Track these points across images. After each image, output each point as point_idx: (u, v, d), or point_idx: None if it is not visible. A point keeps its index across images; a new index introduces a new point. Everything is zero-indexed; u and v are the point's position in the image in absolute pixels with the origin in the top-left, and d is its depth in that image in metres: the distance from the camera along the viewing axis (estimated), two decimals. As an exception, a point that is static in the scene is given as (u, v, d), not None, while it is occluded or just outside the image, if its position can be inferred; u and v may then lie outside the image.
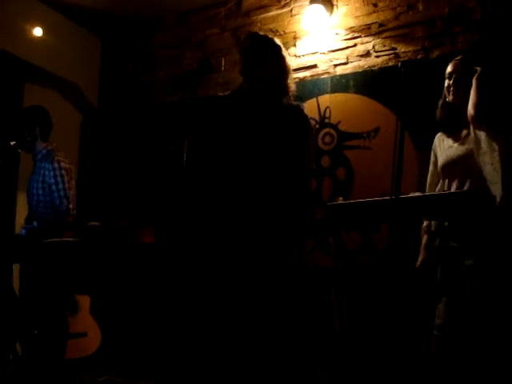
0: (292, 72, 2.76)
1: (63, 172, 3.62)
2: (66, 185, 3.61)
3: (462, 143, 2.68)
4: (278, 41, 2.73)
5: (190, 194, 2.63)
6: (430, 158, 2.93)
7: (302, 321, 2.66)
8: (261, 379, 2.54)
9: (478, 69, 2.57)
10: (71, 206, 3.66)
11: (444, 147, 2.78)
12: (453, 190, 2.62)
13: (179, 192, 2.47)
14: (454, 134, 2.75)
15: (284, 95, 2.68)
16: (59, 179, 3.58)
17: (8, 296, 3.73)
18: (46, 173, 3.59)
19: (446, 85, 2.76)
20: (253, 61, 2.64)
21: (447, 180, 2.71)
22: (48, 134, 3.75)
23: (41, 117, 3.74)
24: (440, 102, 2.82)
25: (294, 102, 2.74)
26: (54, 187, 3.57)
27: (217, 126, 2.74)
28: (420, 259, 2.83)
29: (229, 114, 2.68)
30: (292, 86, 2.71)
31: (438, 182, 2.82)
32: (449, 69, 2.75)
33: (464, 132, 2.69)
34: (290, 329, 2.55)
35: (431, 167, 2.90)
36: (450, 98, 2.73)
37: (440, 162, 2.78)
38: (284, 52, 2.70)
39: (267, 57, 2.64)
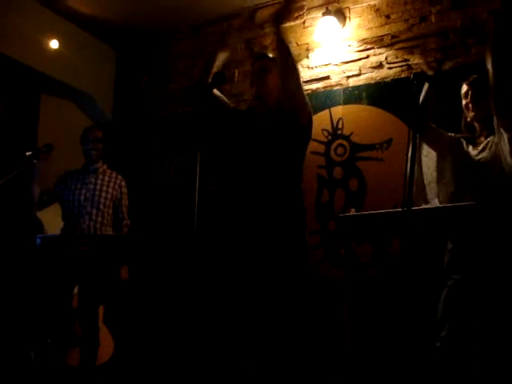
0: None
1: (127, 191, 3.97)
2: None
3: (483, 150, 2.69)
4: None
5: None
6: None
7: (305, 319, 2.68)
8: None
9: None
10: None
11: (463, 151, 2.78)
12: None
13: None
14: (473, 144, 2.77)
15: None
16: (127, 197, 3.95)
17: (23, 305, 3.78)
18: (117, 187, 3.88)
19: (463, 104, 2.77)
20: None
21: (464, 187, 2.69)
22: None
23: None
24: (462, 123, 2.83)
25: None
26: (123, 202, 3.91)
27: None
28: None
29: None
30: None
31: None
32: (464, 89, 2.76)
33: (482, 140, 2.71)
34: (291, 326, 2.60)
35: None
36: (470, 115, 2.75)
37: (458, 166, 2.77)
38: None
39: None
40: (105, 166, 3.92)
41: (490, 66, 2.55)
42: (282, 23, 2.75)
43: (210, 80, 2.83)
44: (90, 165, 3.86)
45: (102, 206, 3.76)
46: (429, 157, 2.84)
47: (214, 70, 2.88)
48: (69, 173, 3.93)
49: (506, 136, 2.53)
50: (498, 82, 2.52)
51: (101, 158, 3.89)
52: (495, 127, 2.59)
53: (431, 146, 2.83)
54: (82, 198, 3.76)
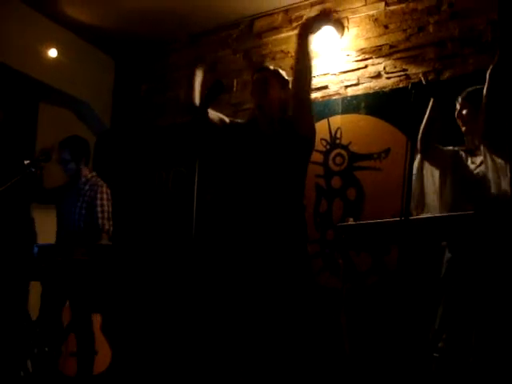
0: None
1: (106, 196, 3.78)
2: (109, 208, 3.79)
3: (480, 164, 2.71)
4: None
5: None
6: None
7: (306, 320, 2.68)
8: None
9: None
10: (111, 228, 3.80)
11: (462, 165, 2.79)
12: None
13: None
14: (472, 156, 2.79)
15: None
16: (105, 202, 3.74)
17: (20, 314, 3.75)
18: (93, 194, 3.72)
19: (459, 117, 2.82)
20: None
21: (463, 200, 2.70)
22: (88, 161, 3.92)
23: (86, 148, 3.89)
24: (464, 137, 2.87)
25: None
26: (98, 208, 3.71)
27: None
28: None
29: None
30: None
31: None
32: (459, 103, 2.81)
33: (480, 152, 2.73)
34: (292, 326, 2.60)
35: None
36: (464, 129, 2.82)
37: (458, 179, 2.78)
38: None
39: None
40: (89, 176, 3.83)
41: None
42: (312, 33, 2.72)
43: (197, 102, 2.81)
44: (75, 175, 3.83)
45: (77, 216, 3.69)
46: (429, 172, 2.86)
47: (196, 91, 2.86)
48: (62, 186, 3.93)
49: (488, 157, 2.56)
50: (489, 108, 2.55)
51: (76, 171, 3.79)
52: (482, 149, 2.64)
53: (434, 165, 2.85)
54: (61, 213, 3.78)
